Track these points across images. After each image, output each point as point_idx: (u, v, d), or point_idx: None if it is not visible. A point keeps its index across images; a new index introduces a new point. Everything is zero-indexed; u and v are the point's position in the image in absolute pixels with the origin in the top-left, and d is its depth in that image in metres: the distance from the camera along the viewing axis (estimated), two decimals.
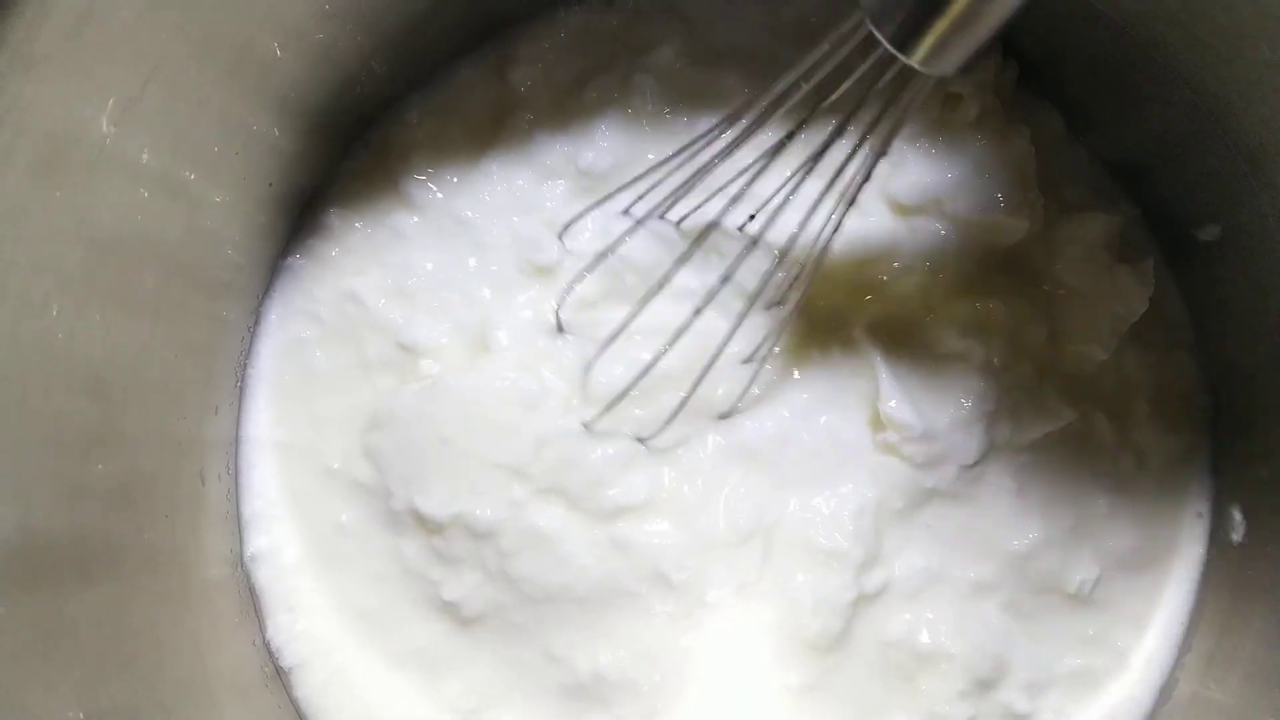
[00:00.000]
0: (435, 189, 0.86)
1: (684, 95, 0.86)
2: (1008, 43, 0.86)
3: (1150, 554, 0.85)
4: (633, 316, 0.75)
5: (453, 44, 0.87)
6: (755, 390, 0.80)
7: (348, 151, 0.87)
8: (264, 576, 0.83)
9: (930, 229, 0.82)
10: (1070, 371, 0.83)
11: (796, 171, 0.70)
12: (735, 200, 0.73)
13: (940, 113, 0.84)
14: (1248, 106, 0.72)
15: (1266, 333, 0.79)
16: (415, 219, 0.85)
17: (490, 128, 0.86)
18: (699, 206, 0.78)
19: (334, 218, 0.86)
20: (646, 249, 0.80)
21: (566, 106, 0.86)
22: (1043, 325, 0.82)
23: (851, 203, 0.69)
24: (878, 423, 0.79)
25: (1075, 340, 0.83)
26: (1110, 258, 0.84)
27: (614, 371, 0.78)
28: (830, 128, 0.67)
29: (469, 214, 0.85)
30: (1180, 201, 0.85)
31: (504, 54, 0.88)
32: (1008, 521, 0.81)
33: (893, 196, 0.83)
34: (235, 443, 0.84)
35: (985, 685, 0.79)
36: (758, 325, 0.78)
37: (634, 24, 0.89)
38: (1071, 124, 0.88)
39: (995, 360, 0.80)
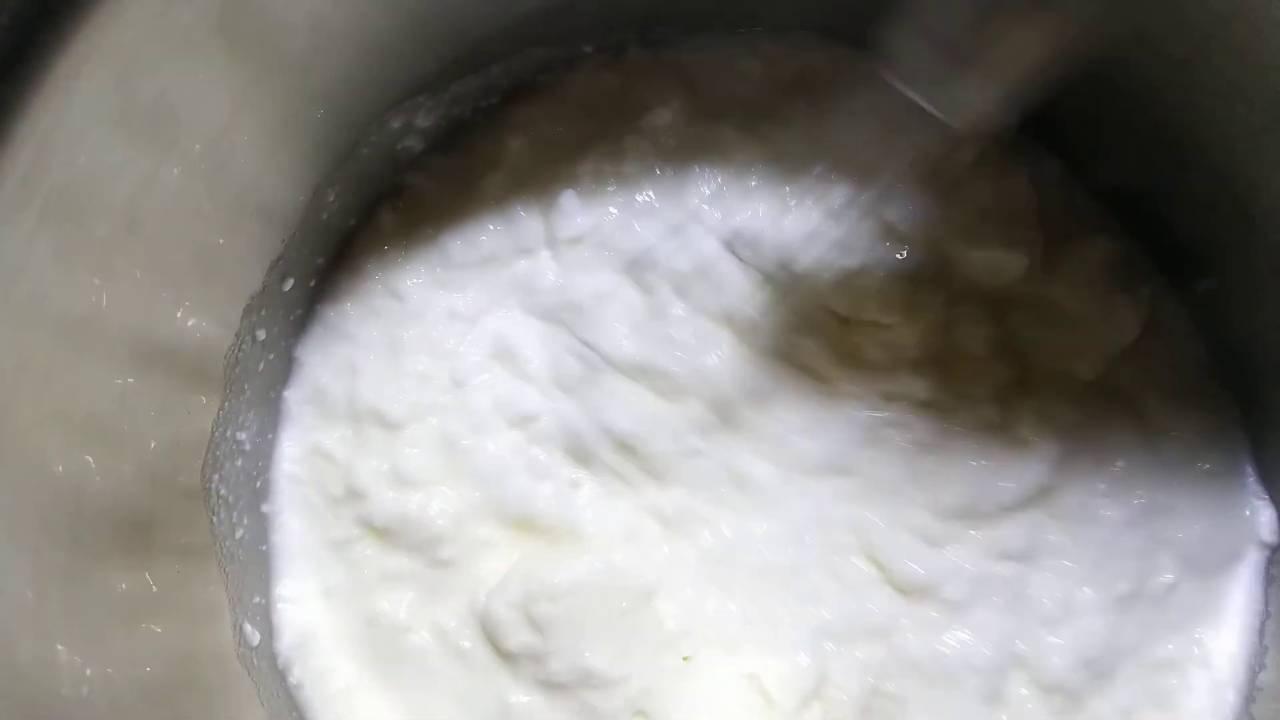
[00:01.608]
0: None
1: (678, 150, 0.86)
2: None
3: (1221, 542, 0.83)
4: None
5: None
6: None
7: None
8: None
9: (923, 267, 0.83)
10: (1060, 386, 0.83)
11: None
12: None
13: (939, 152, 0.84)
14: (1238, 162, 0.74)
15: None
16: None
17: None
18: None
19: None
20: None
21: (558, 175, 0.87)
22: (1016, 358, 0.83)
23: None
24: None
25: (1062, 358, 0.83)
26: (1108, 282, 0.84)
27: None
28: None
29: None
30: (1178, 248, 0.86)
31: (501, 122, 0.89)
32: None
33: (891, 234, 0.84)
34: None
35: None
36: None
37: (635, 83, 0.90)
38: (1070, 169, 0.89)
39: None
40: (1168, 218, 0.85)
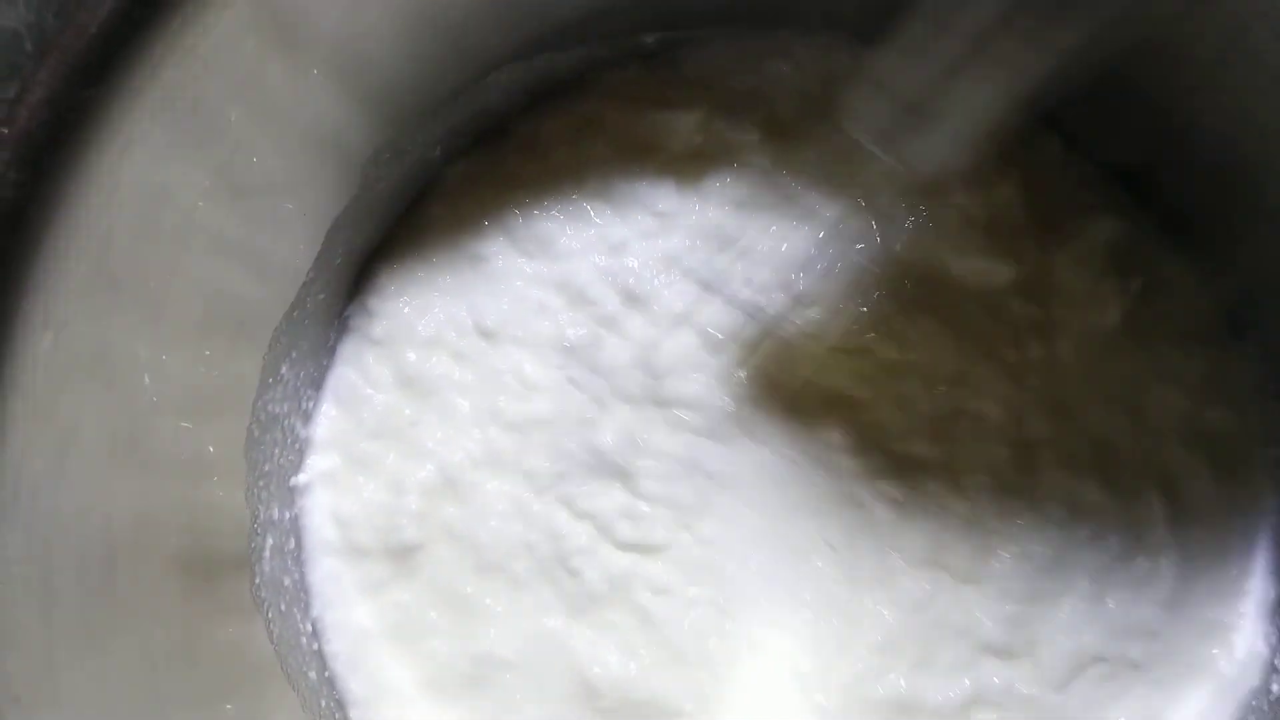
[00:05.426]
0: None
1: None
2: None
3: None
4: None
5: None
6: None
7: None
8: None
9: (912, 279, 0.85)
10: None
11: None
12: None
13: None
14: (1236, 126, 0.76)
15: None
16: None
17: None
18: None
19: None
20: None
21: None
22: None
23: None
24: None
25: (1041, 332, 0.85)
26: (1105, 263, 0.86)
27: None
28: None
29: None
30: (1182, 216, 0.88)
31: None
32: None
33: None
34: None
35: None
36: None
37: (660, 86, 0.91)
38: (1068, 145, 0.90)
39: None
40: (1170, 187, 0.86)
